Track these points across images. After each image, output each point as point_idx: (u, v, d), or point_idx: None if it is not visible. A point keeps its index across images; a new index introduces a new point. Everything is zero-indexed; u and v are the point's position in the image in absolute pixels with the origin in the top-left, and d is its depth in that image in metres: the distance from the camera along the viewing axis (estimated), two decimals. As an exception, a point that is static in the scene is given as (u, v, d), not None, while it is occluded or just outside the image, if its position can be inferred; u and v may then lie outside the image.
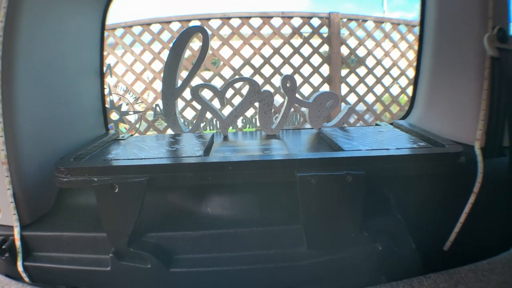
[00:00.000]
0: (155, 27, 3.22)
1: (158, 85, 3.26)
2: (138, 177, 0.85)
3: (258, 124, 1.25)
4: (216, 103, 1.32)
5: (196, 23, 3.19)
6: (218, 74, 3.21)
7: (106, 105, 1.31)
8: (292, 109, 1.24)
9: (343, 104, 3.16)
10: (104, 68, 1.29)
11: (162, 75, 1.19)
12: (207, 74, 3.23)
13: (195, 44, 3.19)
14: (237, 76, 1.10)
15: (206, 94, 1.29)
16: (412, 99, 1.30)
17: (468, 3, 1.00)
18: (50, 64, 0.99)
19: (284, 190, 0.92)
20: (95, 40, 1.23)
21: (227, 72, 3.21)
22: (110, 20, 1.28)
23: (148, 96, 3.35)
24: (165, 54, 3.20)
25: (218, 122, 1.23)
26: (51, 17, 0.97)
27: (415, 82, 1.28)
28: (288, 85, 1.20)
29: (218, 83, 3.14)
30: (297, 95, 1.22)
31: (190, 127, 1.23)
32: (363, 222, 0.88)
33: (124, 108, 1.35)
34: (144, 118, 3.11)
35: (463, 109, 1.05)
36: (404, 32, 3.52)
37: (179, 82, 1.20)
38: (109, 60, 3.23)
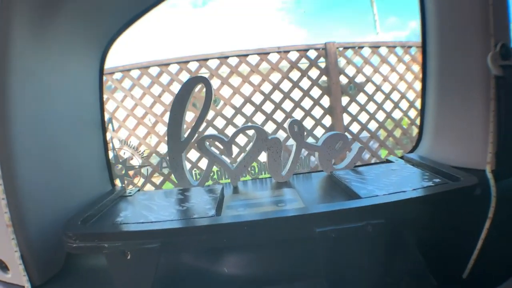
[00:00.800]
0: (154, 70, 3.25)
1: (160, 128, 3.26)
2: (151, 242, 0.82)
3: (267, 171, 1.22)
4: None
5: (195, 64, 3.22)
6: (219, 114, 3.21)
7: (111, 159, 1.29)
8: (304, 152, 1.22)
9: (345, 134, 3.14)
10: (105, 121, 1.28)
11: (166, 128, 1.17)
12: (209, 114, 3.21)
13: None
14: (244, 125, 1.08)
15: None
16: (420, 130, 1.29)
17: (468, 24, 1.00)
18: (48, 120, 0.96)
19: (301, 244, 0.89)
20: (94, 90, 1.22)
21: (228, 111, 3.21)
22: (107, 64, 1.27)
23: (151, 139, 3.34)
24: (165, 97, 3.22)
25: (227, 173, 1.21)
26: (45, 70, 0.95)
27: (422, 112, 1.27)
28: (295, 130, 1.18)
29: (219, 122, 3.14)
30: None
31: (199, 179, 1.21)
32: (385, 268, 0.85)
33: (126, 156, 1.33)
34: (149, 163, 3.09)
35: (472, 133, 1.03)
36: (401, 54, 3.53)
37: (185, 132, 1.19)
38: (109, 105, 3.24)
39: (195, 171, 1.22)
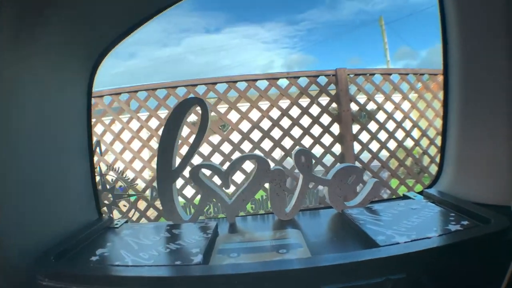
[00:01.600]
0: (161, 93, 3.18)
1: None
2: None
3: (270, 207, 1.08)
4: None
5: (203, 88, 3.14)
6: (226, 139, 3.09)
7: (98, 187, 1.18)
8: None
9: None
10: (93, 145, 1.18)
11: (156, 156, 1.05)
12: (215, 139, 3.12)
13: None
14: (244, 154, 0.97)
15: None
16: (441, 163, 1.18)
17: (494, 52, 0.92)
18: (30, 143, 0.88)
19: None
20: (81, 113, 1.14)
21: (235, 137, 3.10)
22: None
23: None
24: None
25: (223, 208, 1.08)
26: (27, 91, 0.87)
27: (443, 144, 1.16)
28: (302, 160, 1.05)
29: (226, 148, 3.03)
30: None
31: (191, 213, 1.07)
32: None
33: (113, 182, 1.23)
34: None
35: (496, 167, 0.94)
36: (413, 82, 3.42)
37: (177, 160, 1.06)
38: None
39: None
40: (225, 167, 1.09)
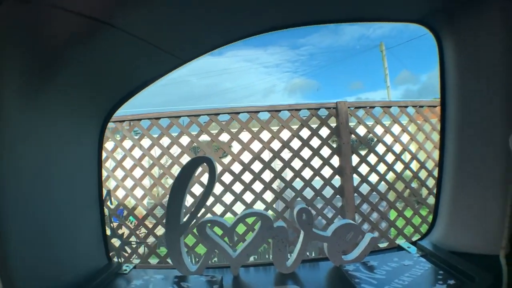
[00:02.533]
0: (164, 122, 3.24)
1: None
2: None
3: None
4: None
5: (205, 118, 3.20)
6: (227, 169, 3.15)
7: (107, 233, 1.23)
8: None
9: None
10: (104, 194, 1.22)
11: (166, 209, 1.11)
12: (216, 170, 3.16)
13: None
14: (249, 211, 1.02)
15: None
16: (435, 214, 1.22)
17: (490, 103, 0.95)
18: (42, 195, 0.92)
19: None
20: (92, 163, 1.18)
21: (236, 167, 3.16)
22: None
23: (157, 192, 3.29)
24: (173, 149, 3.20)
25: (227, 261, 1.13)
26: (39, 142, 0.91)
27: (437, 197, 1.20)
28: (303, 218, 1.10)
29: (227, 178, 3.07)
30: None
31: (198, 265, 1.13)
32: None
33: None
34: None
35: (488, 218, 0.99)
36: (413, 114, 3.50)
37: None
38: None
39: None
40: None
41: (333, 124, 3.33)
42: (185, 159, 3.20)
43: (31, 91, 0.86)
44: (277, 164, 3.19)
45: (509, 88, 0.93)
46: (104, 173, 3.31)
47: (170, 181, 3.24)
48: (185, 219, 1.11)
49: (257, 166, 3.17)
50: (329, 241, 1.12)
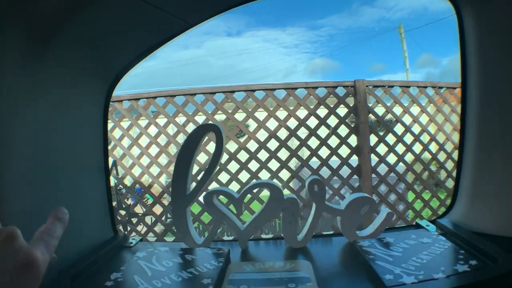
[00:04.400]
0: (179, 99, 3.22)
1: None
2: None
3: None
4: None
5: (221, 95, 3.16)
6: (243, 147, 3.12)
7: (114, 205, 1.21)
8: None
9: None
10: (110, 164, 1.20)
11: (171, 181, 1.07)
12: (232, 146, 3.15)
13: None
14: (258, 181, 0.97)
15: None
16: (455, 191, 1.15)
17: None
18: (46, 163, 0.89)
19: None
20: (97, 132, 1.15)
21: (252, 145, 3.12)
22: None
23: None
24: (189, 127, 3.17)
25: (235, 234, 1.09)
26: (42, 109, 0.88)
27: (458, 173, 1.14)
28: (315, 189, 1.06)
29: (243, 156, 3.04)
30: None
31: (204, 237, 1.09)
32: None
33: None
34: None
35: (509, 198, 0.93)
36: (432, 95, 3.39)
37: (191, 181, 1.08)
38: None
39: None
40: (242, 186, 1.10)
41: (351, 104, 3.24)
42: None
43: (31, 59, 0.82)
44: (293, 143, 3.14)
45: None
46: (120, 151, 3.33)
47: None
48: (192, 190, 1.08)
49: (273, 145, 3.13)
50: (343, 214, 1.07)
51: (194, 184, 1.09)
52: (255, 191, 2.84)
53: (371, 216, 1.12)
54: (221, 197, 1.14)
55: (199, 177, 1.09)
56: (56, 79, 0.92)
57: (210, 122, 3.17)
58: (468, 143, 1.07)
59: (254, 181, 1.09)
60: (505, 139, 0.94)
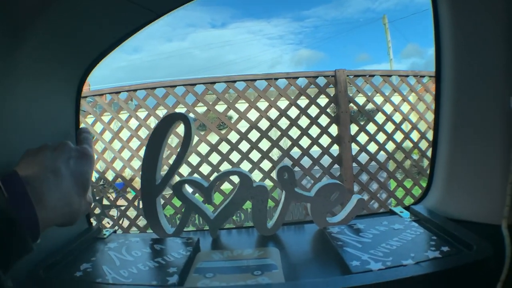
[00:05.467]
0: (160, 91, 3.20)
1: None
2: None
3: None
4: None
5: (201, 87, 3.15)
6: (224, 139, 3.11)
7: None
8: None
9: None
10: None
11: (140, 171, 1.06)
12: (213, 138, 3.14)
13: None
14: (228, 169, 0.97)
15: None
16: (430, 177, 1.14)
17: (490, 59, 0.86)
18: (18, 155, 0.87)
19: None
20: (70, 125, 1.13)
21: (233, 136, 3.12)
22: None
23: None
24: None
25: (206, 224, 1.09)
26: (11, 101, 0.86)
27: (433, 159, 1.13)
28: (285, 177, 1.05)
29: (224, 147, 3.04)
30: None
31: (176, 227, 1.08)
32: None
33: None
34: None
35: (488, 183, 0.89)
36: (413, 84, 3.42)
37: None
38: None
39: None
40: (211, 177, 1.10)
41: (332, 93, 3.26)
42: (181, 129, 3.17)
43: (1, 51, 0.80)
44: (274, 133, 3.14)
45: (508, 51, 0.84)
46: (102, 145, 3.31)
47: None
48: (160, 180, 1.07)
49: (254, 135, 3.13)
50: (313, 201, 1.07)
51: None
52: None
53: (341, 202, 1.11)
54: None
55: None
56: (25, 73, 0.90)
57: (190, 114, 3.15)
58: (443, 129, 1.07)
59: (225, 169, 1.08)
60: (480, 124, 0.93)
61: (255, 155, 3.10)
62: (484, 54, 0.90)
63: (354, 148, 3.24)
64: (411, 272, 0.74)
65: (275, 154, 3.41)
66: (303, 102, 3.18)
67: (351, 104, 3.27)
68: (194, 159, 3.00)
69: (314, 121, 3.16)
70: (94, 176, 3.47)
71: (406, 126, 3.39)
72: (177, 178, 1.17)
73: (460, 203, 0.98)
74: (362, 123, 3.28)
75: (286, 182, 1.06)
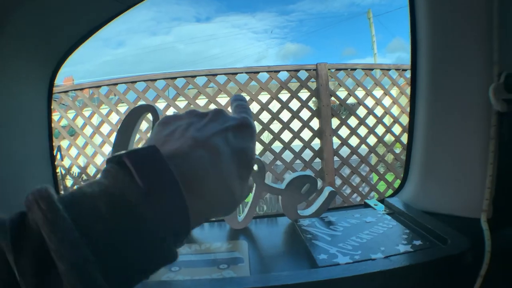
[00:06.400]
0: (140, 85, 3.16)
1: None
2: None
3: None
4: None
5: (182, 81, 3.11)
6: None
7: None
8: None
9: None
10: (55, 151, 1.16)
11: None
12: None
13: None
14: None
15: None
16: (406, 169, 1.12)
17: (466, 49, 0.84)
18: None
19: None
20: (42, 119, 1.10)
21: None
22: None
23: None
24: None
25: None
26: None
27: (408, 150, 1.11)
28: (255, 169, 1.04)
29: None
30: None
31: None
32: None
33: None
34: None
35: (466, 176, 0.87)
36: (395, 77, 3.43)
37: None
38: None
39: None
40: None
41: (314, 87, 3.25)
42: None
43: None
44: (256, 127, 3.11)
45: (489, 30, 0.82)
46: (83, 140, 3.27)
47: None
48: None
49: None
50: (283, 194, 1.06)
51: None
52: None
53: (312, 194, 1.10)
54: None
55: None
56: None
57: (171, 108, 3.12)
58: (419, 120, 1.05)
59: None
60: (458, 115, 0.91)
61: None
62: (462, 41, 0.88)
63: (336, 142, 3.24)
64: (379, 266, 0.71)
65: (257, 148, 3.40)
66: (284, 96, 3.17)
67: (333, 98, 3.26)
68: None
69: (295, 114, 3.16)
70: (76, 172, 3.43)
71: (388, 120, 3.40)
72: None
73: (437, 196, 0.96)
74: (343, 117, 3.29)
75: (255, 174, 1.04)
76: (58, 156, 2.64)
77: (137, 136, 1.10)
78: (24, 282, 0.21)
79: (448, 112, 0.92)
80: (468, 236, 0.78)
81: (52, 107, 1.16)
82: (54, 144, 1.19)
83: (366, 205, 1.15)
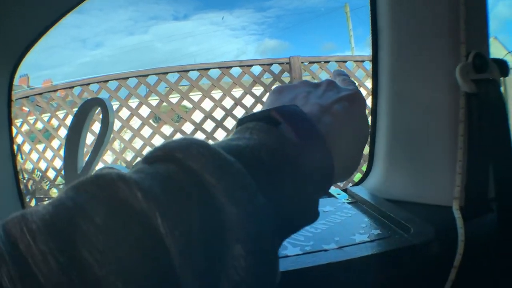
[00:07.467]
0: (112, 84, 3.11)
1: (115, 145, 3.21)
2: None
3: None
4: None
5: (154, 78, 3.07)
6: (179, 130, 3.05)
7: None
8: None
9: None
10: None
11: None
12: (167, 130, 3.07)
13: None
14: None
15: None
16: (371, 156, 1.08)
17: (432, 27, 0.80)
18: None
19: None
20: (1, 119, 1.06)
21: (188, 127, 3.06)
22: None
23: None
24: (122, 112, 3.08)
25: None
26: None
27: (372, 135, 1.06)
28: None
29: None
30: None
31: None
32: None
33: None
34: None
35: (435, 162, 0.83)
36: (369, 69, 3.44)
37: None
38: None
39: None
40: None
41: (287, 81, 3.24)
42: (135, 122, 3.10)
43: None
44: (230, 123, 3.11)
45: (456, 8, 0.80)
46: (58, 142, 3.21)
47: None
48: (81, 170, 1.01)
49: (209, 126, 3.09)
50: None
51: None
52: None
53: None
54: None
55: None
56: None
57: (143, 106, 3.08)
58: (382, 105, 1.00)
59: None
60: (424, 97, 0.87)
61: (211, 146, 3.05)
62: (427, 21, 0.84)
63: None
64: (331, 258, 0.67)
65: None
66: (258, 90, 3.15)
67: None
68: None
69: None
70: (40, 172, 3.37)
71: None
72: (101, 166, 1.13)
73: (404, 184, 0.91)
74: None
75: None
76: (19, 156, 2.58)
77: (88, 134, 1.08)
78: None
79: (414, 95, 0.88)
80: (439, 225, 0.74)
81: (12, 108, 1.12)
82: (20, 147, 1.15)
83: (329, 195, 1.11)
